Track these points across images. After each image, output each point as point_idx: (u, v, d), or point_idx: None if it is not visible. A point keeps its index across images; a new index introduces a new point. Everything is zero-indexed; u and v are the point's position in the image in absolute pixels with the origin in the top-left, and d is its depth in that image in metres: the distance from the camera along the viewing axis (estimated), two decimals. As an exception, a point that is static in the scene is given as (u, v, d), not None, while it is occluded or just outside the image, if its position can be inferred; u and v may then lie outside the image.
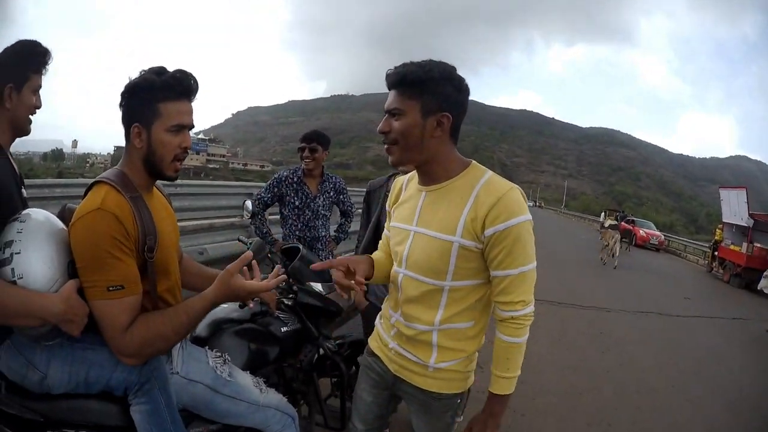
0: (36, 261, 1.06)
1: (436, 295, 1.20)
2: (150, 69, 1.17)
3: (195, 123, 1.24)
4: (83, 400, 1.16)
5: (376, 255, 1.42)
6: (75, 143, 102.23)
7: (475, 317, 1.22)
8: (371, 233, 2.26)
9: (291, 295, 1.78)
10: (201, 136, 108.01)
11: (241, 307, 1.53)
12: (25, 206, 1.26)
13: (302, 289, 1.79)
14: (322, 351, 1.91)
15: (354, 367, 2.15)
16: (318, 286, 1.83)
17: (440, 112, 1.12)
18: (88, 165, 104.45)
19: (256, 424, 1.37)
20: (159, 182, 1.32)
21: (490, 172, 1.17)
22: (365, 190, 2.48)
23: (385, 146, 1.18)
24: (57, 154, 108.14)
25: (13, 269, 1.04)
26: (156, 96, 1.15)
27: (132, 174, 1.20)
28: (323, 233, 3.04)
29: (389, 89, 1.16)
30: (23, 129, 1.29)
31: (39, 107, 1.30)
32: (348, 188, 3.17)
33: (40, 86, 1.29)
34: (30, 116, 1.28)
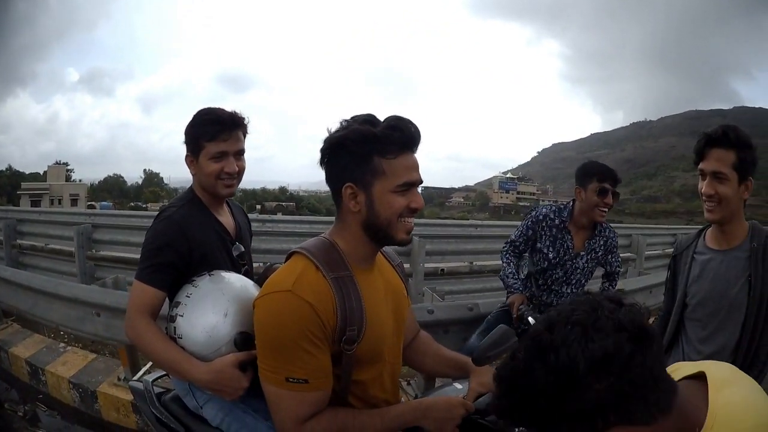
0: (195, 327, 1.11)
1: None
2: (355, 118, 0.97)
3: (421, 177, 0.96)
4: None
5: None
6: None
7: None
8: (677, 315, 1.60)
9: None
10: (509, 175, 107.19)
11: None
12: (235, 264, 1.32)
13: None
14: None
15: None
16: None
17: None
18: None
19: None
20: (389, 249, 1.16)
21: None
22: (671, 254, 1.72)
23: None
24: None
25: (175, 328, 1.12)
26: (374, 150, 0.94)
27: (346, 244, 1.00)
28: None
29: None
30: (213, 192, 1.33)
31: (230, 172, 1.30)
32: (648, 231, 2.35)
33: (224, 152, 1.28)
34: (219, 180, 1.30)
